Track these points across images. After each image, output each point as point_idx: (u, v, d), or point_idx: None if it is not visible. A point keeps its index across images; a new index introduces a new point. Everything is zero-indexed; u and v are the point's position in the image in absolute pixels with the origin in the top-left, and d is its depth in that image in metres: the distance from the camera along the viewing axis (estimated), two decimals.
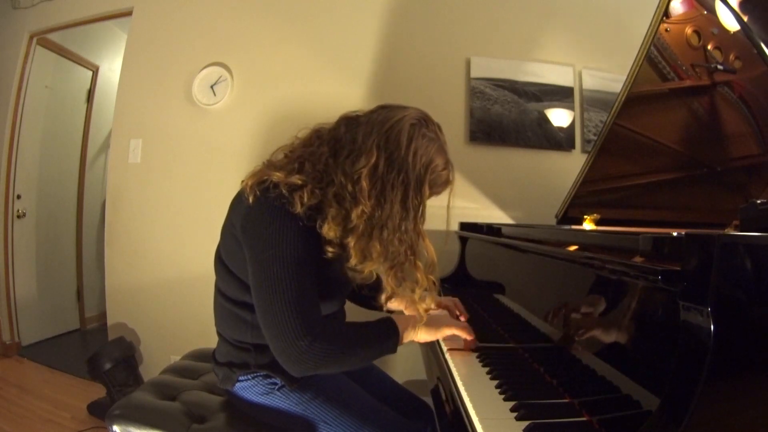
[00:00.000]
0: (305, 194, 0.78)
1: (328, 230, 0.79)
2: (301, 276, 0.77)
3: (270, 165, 0.86)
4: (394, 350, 0.84)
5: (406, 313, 1.13)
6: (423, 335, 0.89)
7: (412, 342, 0.90)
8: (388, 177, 0.79)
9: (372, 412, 0.91)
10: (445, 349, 0.97)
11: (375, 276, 0.88)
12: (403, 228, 0.80)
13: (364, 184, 0.78)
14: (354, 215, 0.79)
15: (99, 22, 2.33)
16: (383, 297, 0.90)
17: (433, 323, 0.90)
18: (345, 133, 0.85)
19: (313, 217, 0.80)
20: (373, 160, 0.79)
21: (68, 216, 2.95)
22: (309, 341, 0.74)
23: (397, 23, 2.01)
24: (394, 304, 1.12)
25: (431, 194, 0.87)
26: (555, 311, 0.87)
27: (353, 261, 0.81)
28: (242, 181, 0.85)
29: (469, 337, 0.94)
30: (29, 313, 2.58)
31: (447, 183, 0.90)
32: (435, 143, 0.85)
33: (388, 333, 0.84)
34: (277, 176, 0.80)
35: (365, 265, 0.82)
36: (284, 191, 0.78)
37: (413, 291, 0.85)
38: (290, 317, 0.75)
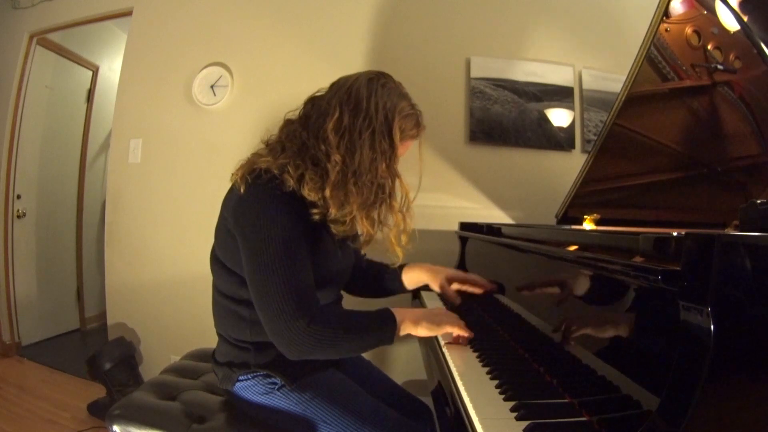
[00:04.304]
0: (291, 170, 0.83)
1: (309, 191, 0.83)
2: (295, 258, 0.80)
3: (255, 155, 0.90)
4: (390, 341, 0.85)
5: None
6: (423, 330, 0.89)
7: (410, 336, 0.91)
8: (354, 126, 0.85)
9: (372, 412, 0.91)
10: (443, 343, 0.98)
11: (357, 229, 0.91)
12: (373, 170, 0.85)
13: (331, 137, 0.84)
14: (330, 169, 0.83)
15: (99, 22, 2.33)
16: (361, 242, 0.93)
17: (434, 319, 0.91)
18: (312, 108, 0.92)
19: (299, 191, 0.83)
20: (336, 115, 0.85)
21: (68, 216, 2.95)
22: (306, 322, 0.76)
23: (397, 23, 2.01)
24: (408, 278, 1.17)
25: (405, 137, 0.91)
26: (555, 311, 0.87)
27: (333, 211, 0.84)
28: (232, 175, 0.89)
29: (465, 335, 0.94)
30: (29, 313, 2.58)
31: (418, 125, 0.93)
32: (395, 91, 0.90)
33: (385, 322, 0.86)
34: (264, 161, 0.85)
35: (344, 211, 0.85)
36: (276, 172, 0.83)
37: (391, 233, 0.90)
38: (286, 298, 0.77)
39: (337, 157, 0.83)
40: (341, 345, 0.81)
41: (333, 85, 0.93)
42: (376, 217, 0.89)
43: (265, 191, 0.82)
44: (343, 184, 0.84)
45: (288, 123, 0.94)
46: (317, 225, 0.87)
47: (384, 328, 0.85)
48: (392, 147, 0.87)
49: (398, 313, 0.87)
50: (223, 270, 0.90)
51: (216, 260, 0.93)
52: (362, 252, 1.13)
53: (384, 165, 0.86)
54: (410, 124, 0.91)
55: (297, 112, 0.95)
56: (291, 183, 0.82)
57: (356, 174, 0.84)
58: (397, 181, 0.90)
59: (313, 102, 0.93)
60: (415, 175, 0.91)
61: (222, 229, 0.89)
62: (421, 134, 0.95)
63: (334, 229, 0.88)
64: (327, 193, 0.83)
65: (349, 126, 0.84)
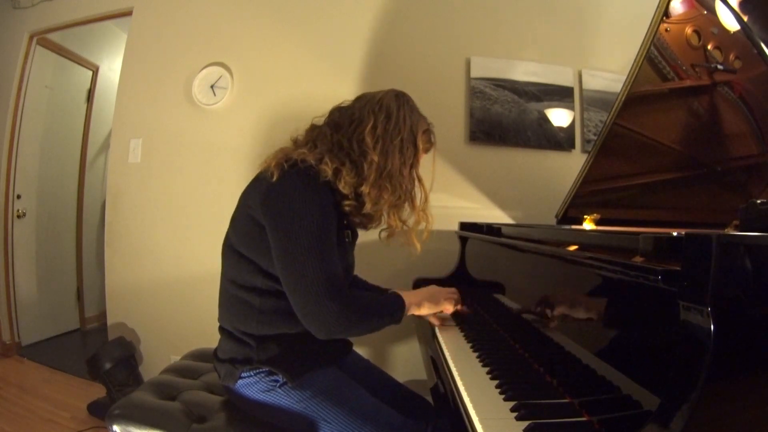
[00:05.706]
0: (329, 161, 0.91)
1: (344, 185, 0.92)
2: (330, 243, 0.87)
3: (286, 149, 0.96)
4: (399, 321, 0.97)
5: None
6: (425, 310, 1.06)
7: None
8: (387, 132, 0.96)
9: (372, 410, 0.92)
10: (444, 345, 0.98)
11: (381, 221, 1.03)
12: (402, 173, 0.97)
13: (368, 139, 0.94)
14: (365, 167, 0.94)
15: (99, 22, 2.32)
16: (384, 234, 1.06)
17: (432, 299, 1.08)
18: (340, 116, 1.01)
19: (334, 183, 0.92)
20: (371, 122, 0.96)
21: (68, 216, 2.95)
22: (339, 304, 0.83)
23: (397, 24, 2.01)
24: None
25: (423, 150, 1.04)
26: (554, 310, 0.87)
27: (368, 206, 0.95)
28: (263, 162, 0.94)
29: (459, 310, 1.14)
30: (29, 313, 2.58)
31: (431, 142, 1.07)
32: (416, 109, 1.05)
33: (397, 305, 0.98)
34: (300, 152, 0.92)
35: (377, 207, 0.95)
36: (312, 162, 0.90)
37: (412, 229, 1.02)
38: (322, 280, 0.83)
39: (375, 157, 0.93)
40: (365, 327, 0.90)
41: (359, 98, 1.03)
42: (401, 214, 1.01)
43: (303, 178, 0.87)
44: (378, 182, 0.94)
45: (314, 127, 1.02)
46: (339, 219, 0.93)
47: (395, 311, 0.97)
48: (416, 154, 1.00)
49: (405, 296, 1.00)
50: (238, 258, 0.92)
51: (230, 249, 0.95)
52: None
53: (408, 169, 0.98)
54: (426, 139, 1.05)
55: (321, 119, 1.03)
56: (328, 173, 0.89)
57: (390, 175, 0.95)
58: (418, 185, 1.02)
59: (340, 111, 1.02)
60: (427, 180, 1.04)
61: (243, 218, 0.92)
62: (432, 149, 1.08)
63: (365, 222, 0.99)
64: (365, 189, 0.93)
65: (382, 133, 0.95)
